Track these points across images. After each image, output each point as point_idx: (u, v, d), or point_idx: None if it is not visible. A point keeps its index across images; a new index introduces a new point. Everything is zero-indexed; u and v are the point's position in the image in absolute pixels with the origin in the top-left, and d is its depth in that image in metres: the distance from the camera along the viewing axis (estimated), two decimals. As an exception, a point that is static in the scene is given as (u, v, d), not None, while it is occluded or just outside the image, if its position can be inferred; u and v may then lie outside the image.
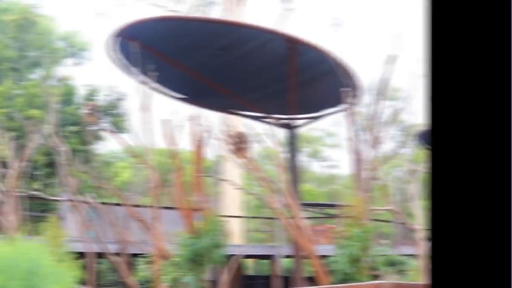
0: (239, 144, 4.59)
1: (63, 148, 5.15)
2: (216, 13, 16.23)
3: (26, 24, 16.00)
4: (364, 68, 8.84)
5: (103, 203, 5.86)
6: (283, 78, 7.72)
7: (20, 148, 5.62)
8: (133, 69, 6.33)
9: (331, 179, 22.57)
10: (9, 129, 8.44)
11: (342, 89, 6.24)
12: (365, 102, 7.76)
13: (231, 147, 4.91)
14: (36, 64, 17.26)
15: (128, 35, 6.90)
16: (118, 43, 7.16)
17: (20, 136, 7.58)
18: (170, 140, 5.80)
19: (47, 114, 4.65)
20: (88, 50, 18.91)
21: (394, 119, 7.32)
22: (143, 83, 6.06)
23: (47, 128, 4.88)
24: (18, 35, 16.04)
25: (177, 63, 7.90)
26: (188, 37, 7.24)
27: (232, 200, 13.89)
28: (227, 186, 13.84)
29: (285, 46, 7.32)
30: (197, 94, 8.75)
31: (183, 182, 5.77)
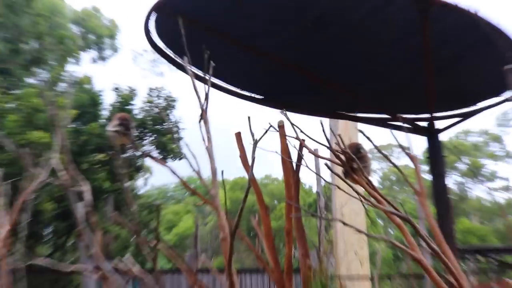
0: (355, 162, 4.33)
1: (84, 188, 5.17)
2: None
3: (19, 2, 14.98)
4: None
5: (150, 271, 5.75)
6: (413, 59, 7.52)
7: (15, 193, 5.51)
8: (184, 59, 6.37)
9: (503, 208, 21.27)
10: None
11: (507, 68, 5.88)
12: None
13: (344, 167, 4.65)
14: (35, 62, 17.29)
15: (175, 9, 6.99)
16: (162, 22, 7.31)
17: (14, 173, 7.32)
18: (248, 164, 5.70)
19: (55, 137, 4.67)
20: (114, 36, 19.07)
21: None
22: (202, 80, 6.06)
23: (57, 159, 4.90)
24: (7, 19, 15.06)
25: (249, 48, 7.87)
26: (264, 7, 7.17)
27: (352, 251, 13.60)
28: (342, 230, 13.60)
29: (412, 10, 7.01)
30: (282, 91, 8.70)
31: (272, 228, 5.64)
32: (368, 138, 3.90)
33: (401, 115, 8.78)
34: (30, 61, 16.42)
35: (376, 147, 4.04)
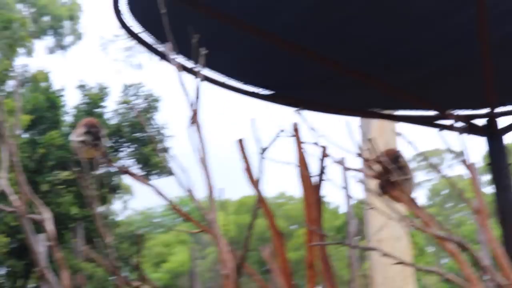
0: (393, 174, 4.35)
1: (44, 215, 5.20)
2: None
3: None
4: None
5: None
6: (465, 38, 7.53)
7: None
8: (167, 46, 6.38)
9: None
10: None
11: None
12: None
13: (379, 181, 4.68)
14: None
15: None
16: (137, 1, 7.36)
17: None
18: (254, 179, 5.71)
19: (3, 151, 4.69)
20: (76, 19, 19.15)
21: None
22: (192, 73, 6.06)
23: (6, 179, 4.93)
24: None
25: (254, 29, 7.90)
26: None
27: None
28: (380, 261, 13.59)
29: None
30: (297, 84, 8.73)
31: (289, 261, 5.65)
32: (409, 142, 3.90)
33: (453, 111, 8.77)
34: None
35: (420, 153, 4.03)
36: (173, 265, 41.87)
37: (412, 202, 4.18)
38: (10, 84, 20.05)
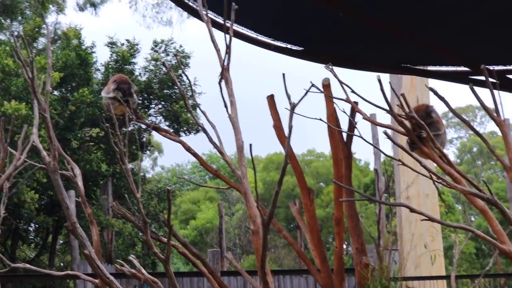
0: (424, 130, 4.30)
1: (74, 172, 5.25)
2: None
3: None
4: None
5: (163, 274, 5.77)
6: None
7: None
8: (198, 1, 6.35)
9: None
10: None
11: None
12: None
13: (409, 137, 4.65)
14: (5, 12, 17.46)
15: None
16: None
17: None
18: (284, 135, 5.70)
19: (35, 108, 4.70)
20: None
21: None
22: (222, 29, 6.04)
23: (38, 135, 4.97)
24: None
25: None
26: None
27: (422, 245, 13.56)
28: (408, 217, 13.55)
29: None
30: (327, 40, 8.66)
31: (317, 218, 5.65)
32: (441, 98, 3.85)
33: (486, 66, 8.63)
34: (-1, 12, 16.68)
35: (452, 110, 3.99)
36: (200, 222, 42.01)
37: (442, 159, 4.15)
38: (41, 41, 20.04)
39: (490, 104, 3.80)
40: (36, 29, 18.87)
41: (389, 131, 4.34)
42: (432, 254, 11.50)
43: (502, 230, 3.70)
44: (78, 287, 13.14)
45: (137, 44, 21.14)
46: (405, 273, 12.69)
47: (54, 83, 17.19)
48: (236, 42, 8.18)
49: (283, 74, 4.19)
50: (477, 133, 3.91)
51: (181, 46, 21.83)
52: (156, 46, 21.55)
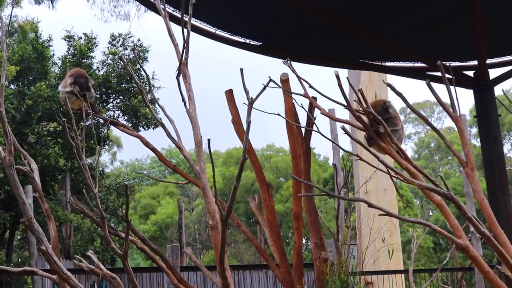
0: (381, 125, 4.32)
1: (32, 166, 5.21)
2: None
3: None
4: None
5: (121, 270, 5.72)
6: None
7: None
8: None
9: None
10: None
11: None
12: None
13: (367, 132, 4.66)
14: None
15: None
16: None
17: None
18: (242, 130, 5.69)
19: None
20: None
21: None
22: (180, 23, 6.02)
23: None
24: None
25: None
26: None
27: (380, 239, 13.65)
28: (367, 212, 13.63)
29: None
30: (285, 35, 8.66)
31: (276, 213, 5.65)
32: (399, 94, 3.87)
33: (442, 62, 8.71)
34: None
35: (409, 105, 4.02)
36: (160, 217, 41.86)
37: (400, 154, 4.18)
38: (-4, 35, 19.75)
39: (446, 100, 3.83)
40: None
41: (347, 127, 4.35)
42: (390, 249, 11.56)
43: (458, 224, 3.72)
44: (36, 283, 13.00)
45: (95, 38, 20.97)
46: (364, 267, 12.75)
47: (10, 77, 16.99)
48: (196, 36, 8.18)
49: (241, 69, 4.17)
50: (434, 128, 3.94)
51: (139, 40, 21.76)
52: (114, 40, 21.41)
